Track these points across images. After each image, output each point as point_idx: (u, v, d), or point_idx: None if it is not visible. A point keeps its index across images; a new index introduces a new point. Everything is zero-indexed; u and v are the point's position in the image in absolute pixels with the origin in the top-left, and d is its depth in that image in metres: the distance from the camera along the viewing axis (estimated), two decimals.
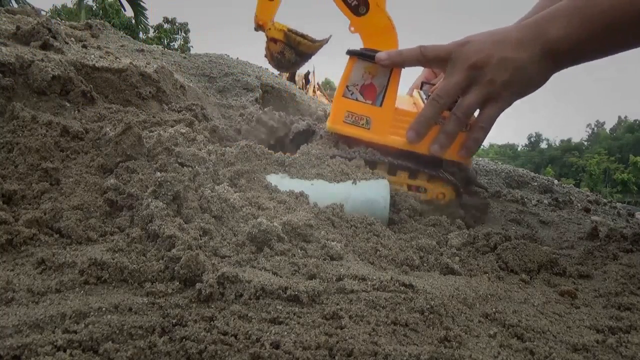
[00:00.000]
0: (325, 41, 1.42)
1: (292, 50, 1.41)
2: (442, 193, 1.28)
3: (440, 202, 1.29)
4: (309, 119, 1.70)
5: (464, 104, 1.12)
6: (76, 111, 1.37)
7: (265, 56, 1.48)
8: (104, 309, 0.60)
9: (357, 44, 1.29)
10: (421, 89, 1.51)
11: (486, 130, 1.16)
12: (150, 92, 1.78)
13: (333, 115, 1.32)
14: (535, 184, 2.55)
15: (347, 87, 1.31)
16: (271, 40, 1.42)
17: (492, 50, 1.05)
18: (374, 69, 1.27)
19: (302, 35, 1.41)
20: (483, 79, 1.07)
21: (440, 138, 1.17)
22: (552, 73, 1.07)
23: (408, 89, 1.68)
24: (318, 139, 1.42)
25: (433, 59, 1.18)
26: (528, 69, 1.03)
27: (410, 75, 1.64)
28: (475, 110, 1.14)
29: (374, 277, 0.78)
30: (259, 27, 1.42)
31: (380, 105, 1.28)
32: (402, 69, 1.26)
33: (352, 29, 1.28)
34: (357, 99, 1.30)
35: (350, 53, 1.29)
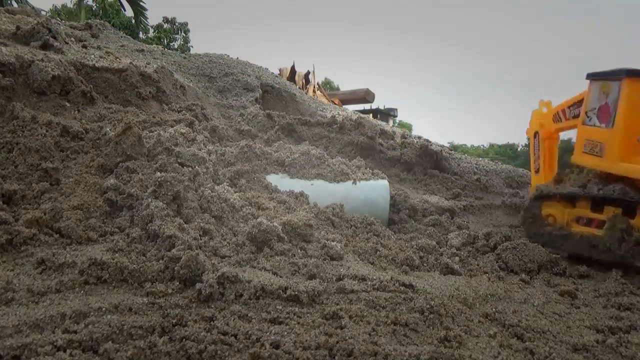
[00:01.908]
0: None
1: None
2: None
3: None
4: None
5: None
6: (76, 111, 1.37)
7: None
8: (104, 309, 0.60)
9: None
10: None
11: None
12: (150, 92, 1.78)
13: (577, 146, 1.26)
14: None
15: (586, 113, 1.26)
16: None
17: None
18: (607, 86, 1.19)
19: None
20: None
21: None
22: None
23: None
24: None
25: None
26: None
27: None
28: None
29: (374, 277, 0.78)
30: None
31: (612, 126, 1.16)
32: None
33: None
34: (594, 125, 1.22)
35: (590, 76, 1.25)
